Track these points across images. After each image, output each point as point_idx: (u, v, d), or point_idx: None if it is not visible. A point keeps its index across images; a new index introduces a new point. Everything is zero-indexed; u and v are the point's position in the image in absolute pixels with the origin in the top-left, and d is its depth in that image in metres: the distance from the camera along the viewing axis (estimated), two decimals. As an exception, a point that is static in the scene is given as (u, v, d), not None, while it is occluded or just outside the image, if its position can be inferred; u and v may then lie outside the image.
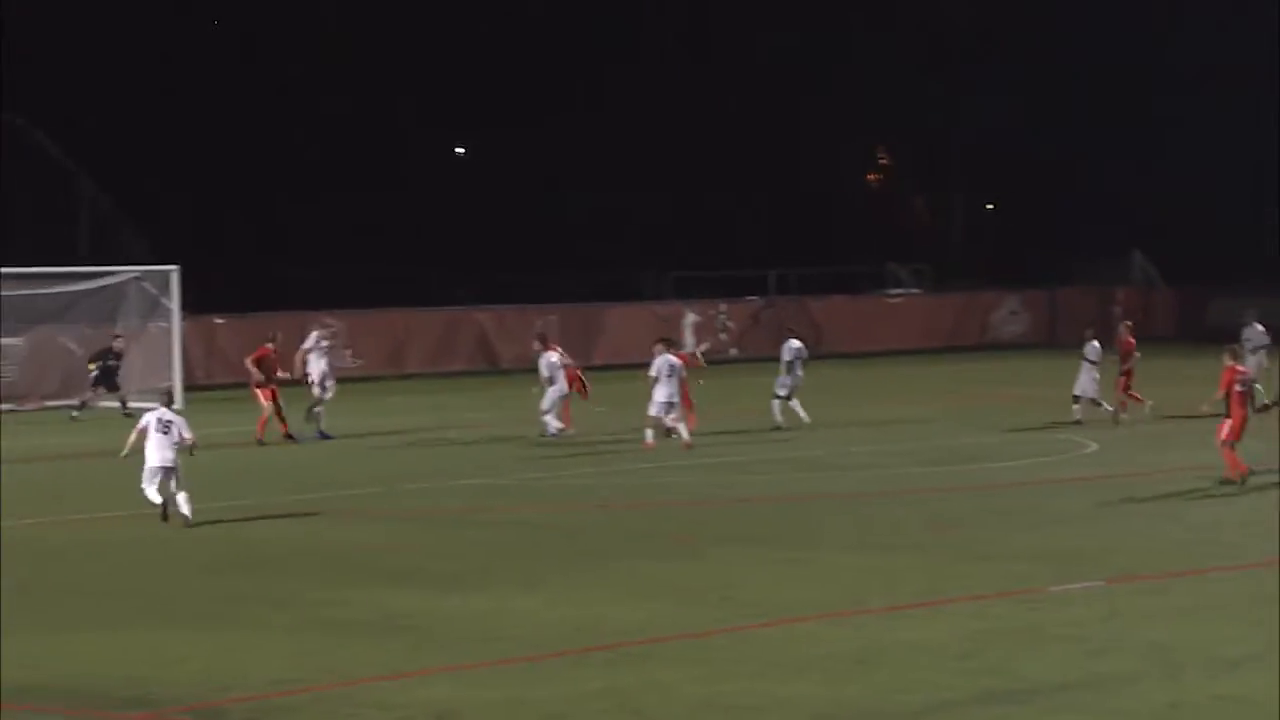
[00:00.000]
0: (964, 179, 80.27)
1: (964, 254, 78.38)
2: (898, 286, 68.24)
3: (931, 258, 72.26)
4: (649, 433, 30.60)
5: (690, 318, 58.00)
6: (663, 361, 30.82)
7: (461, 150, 75.27)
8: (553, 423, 32.32)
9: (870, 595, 17.87)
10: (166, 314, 42.94)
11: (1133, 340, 34.60)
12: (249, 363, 33.68)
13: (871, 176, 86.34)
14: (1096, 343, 34.26)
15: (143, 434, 22.98)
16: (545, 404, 32.47)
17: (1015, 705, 13.50)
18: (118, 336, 40.49)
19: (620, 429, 32.56)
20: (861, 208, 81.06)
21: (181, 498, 22.76)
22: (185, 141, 63.38)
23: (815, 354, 57.71)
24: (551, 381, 32.36)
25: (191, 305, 44.69)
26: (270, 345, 33.73)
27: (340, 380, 39.11)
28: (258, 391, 33.38)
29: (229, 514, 24.16)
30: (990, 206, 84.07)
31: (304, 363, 34.16)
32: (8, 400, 42.05)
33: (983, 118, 73.99)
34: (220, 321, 47.48)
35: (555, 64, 70.30)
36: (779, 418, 33.67)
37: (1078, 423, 33.33)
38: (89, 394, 39.36)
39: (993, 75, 72.42)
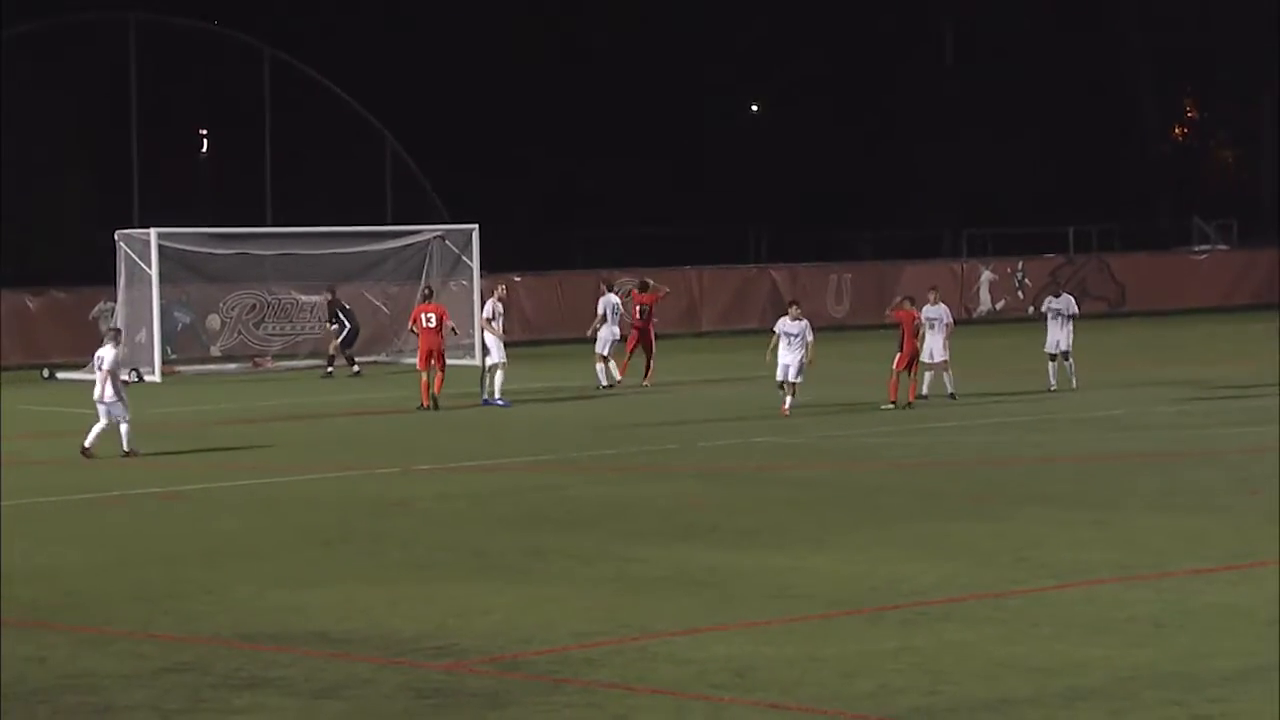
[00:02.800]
0: (1276, 133, 77.75)
1: (1274, 209, 75.98)
2: (1203, 242, 66.50)
3: (1239, 213, 70.21)
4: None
5: (986, 275, 57.30)
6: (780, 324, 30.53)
7: (756, 107, 75.24)
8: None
9: (1174, 558, 17.53)
10: (467, 272, 43.84)
11: None
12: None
13: (1178, 130, 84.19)
14: None
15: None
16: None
17: (1326, 673, 13.13)
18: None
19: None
20: (1166, 162, 79.11)
21: (124, 429, 25.71)
22: (487, 105, 64.46)
23: (1117, 312, 56.94)
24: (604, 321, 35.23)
25: (490, 264, 45.53)
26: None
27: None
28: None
29: (532, 468, 24.65)
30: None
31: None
32: (316, 356, 43.40)
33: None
34: (518, 280, 48.28)
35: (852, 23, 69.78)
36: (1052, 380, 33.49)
37: None
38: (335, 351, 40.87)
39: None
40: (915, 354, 30.97)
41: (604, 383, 34.98)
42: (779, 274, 53.88)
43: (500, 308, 34.29)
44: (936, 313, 32.00)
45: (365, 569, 17.66)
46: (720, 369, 38.13)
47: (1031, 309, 55.07)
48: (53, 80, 51.06)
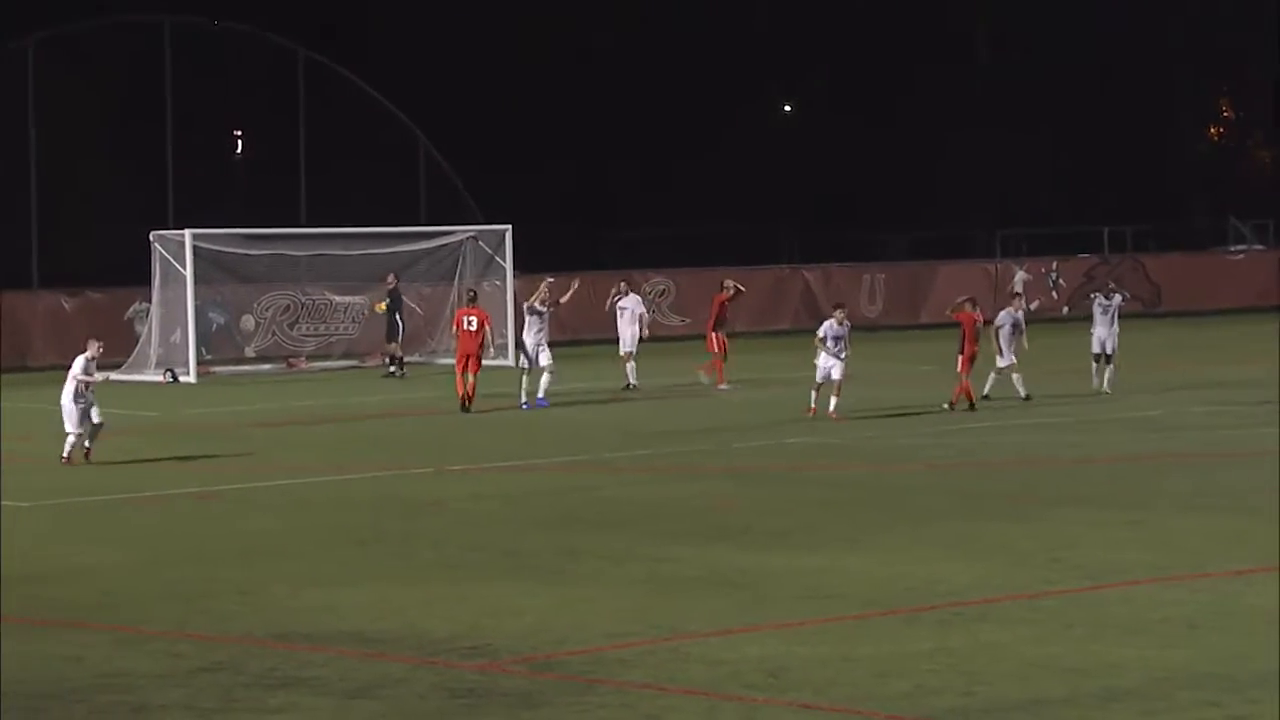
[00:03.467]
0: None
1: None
2: (1240, 242, 66.21)
3: (1276, 213, 69.85)
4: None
5: (1020, 275, 57.15)
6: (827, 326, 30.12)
7: (789, 108, 75.15)
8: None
9: (1209, 558, 17.46)
10: (501, 273, 43.88)
11: None
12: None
13: (1213, 130, 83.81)
14: None
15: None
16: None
17: (1363, 675, 13.06)
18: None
19: (947, 389, 32.24)
20: (1202, 162, 78.77)
21: (69, 439, 25.36)
22: (519, 106, 64.52)
23: (1153, 312, 56.76)
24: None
25: (523, 264, 45.57)
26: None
27: (667, 339, 39.79)
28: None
29: (565, 469, 24.66)
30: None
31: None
32: (350, 357, 43.52)
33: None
34: (551, 280, 48.23)
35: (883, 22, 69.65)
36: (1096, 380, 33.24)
37: None
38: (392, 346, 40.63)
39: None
40: (974, 356, 30.76)
41: (632, 382, 35.06)
42: (811, 274, 53.77)
43: (544, 308, 34.14)
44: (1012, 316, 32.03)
45: (398, 569, 17.69)
46: (752, 369, 38.07)
47: (1066, 309, 55.09)
48: (88, 82, 51.27)
